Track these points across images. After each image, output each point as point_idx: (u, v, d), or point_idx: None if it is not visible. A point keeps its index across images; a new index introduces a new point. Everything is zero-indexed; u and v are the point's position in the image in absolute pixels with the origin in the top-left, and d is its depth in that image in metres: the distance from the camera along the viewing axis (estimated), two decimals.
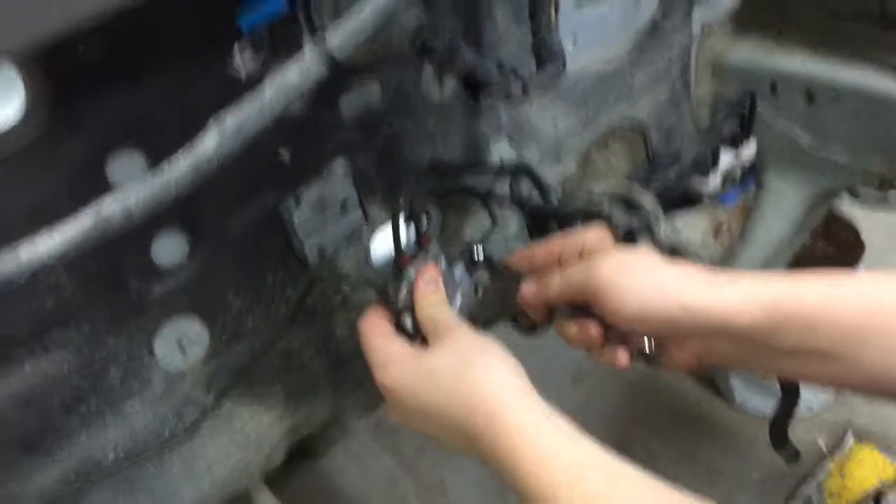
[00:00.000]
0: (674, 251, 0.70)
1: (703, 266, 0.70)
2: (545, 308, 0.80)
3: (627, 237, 0.71)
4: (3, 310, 0.68)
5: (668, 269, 0.70)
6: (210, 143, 0.47)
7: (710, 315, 0.66)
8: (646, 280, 0.69)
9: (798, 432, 1.98)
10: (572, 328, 0.77)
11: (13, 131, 0.64)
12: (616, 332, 0.75)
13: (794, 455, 0.78)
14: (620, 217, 0.73)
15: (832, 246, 2.25)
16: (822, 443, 1.96)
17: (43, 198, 0.66)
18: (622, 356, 0.75)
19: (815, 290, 0.65)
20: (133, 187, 0.45)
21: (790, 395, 0.78)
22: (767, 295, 0.66)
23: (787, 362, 0.67)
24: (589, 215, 0.80)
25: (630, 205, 0.76)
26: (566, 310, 0.78)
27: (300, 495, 1.94)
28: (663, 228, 0.72)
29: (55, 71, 0.63)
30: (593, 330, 0.75)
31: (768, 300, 0.65)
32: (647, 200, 0.75)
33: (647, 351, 0.74)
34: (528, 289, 0.79)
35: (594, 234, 0.77)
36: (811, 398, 1.99)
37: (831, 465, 1.88)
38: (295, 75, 0.48)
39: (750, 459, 1.95)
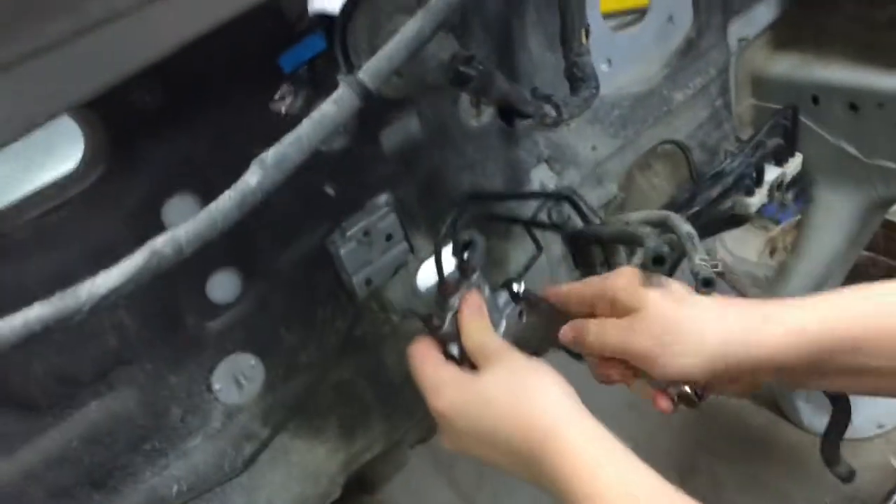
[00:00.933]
0: (707, 283, 0.69)
1: (743, 296, 0.70)
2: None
3: (657, 261, 0.71)
4: (72, 349, 0.71)
5: (706, 319, 0.70)
6: (252, 178, 0.49)
7: (757, 359, 0.67)
8: (685, 342, 0.69)
9: (870, 453, 1.91)
10: (606, 370, 0.80)
11: (73, 179, 0.68)
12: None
13: (848, 473, 0.75)
14: (653, 241, 0.72)
15: (895, 259, 2.19)
16: (895, 463, 1.89)
17: (102, 241, 0.69)
18: (663, 402, 0.77)
19: (856, 311, 0.66)
20: (182, 225, 0.47)
21: (841, 410, 0.77)
22: (811, 327, 0.66)
23: (837, 380, 0.69)
24: (625, 240, 0.80)
25: (666, 229, 0.75)
26: None
27: None
28: (699, 257, 0.71)
29: (111, 121, 0.67)
30: (621, 372, 0.78)
31: (813, 332, 0.66)
32: (683, 227, 0.74)
33: (693, 396, 0.75)
34: (565, 334, 0.80)
35: (622, 280, 0.76)
36: (881, 415, 1.92)
37: None
38: (329, 108, 0.51)
39: (821, 484, 1.88)
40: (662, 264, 0.71)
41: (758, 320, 0.68)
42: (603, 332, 0.75)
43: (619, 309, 0.74)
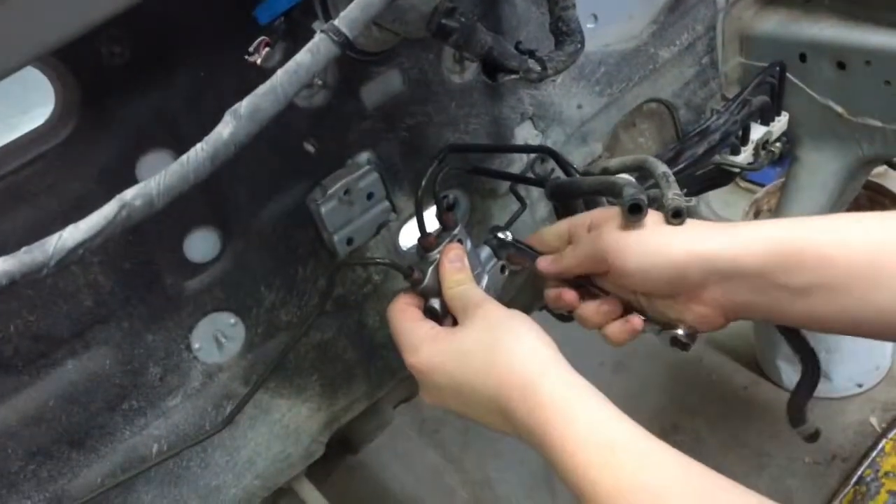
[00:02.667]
0: (677, 214, 0.69)
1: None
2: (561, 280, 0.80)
3: (633, 209, 0.70)
4: (47, 307, 0.70)
5: (674, 233, 0.70)
6: (225, 130, 0.48)
7: (719, 257, 0.67)
8: (650, 235, 0.70)
9: (850, 411, 1.94)
10: (553, 297, 0.79)
11: (45, 134, 0.66)
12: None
13: (813, 433, 0.75)
14: (630, 190, 0.71)
15: None
16: (874, 422, 1.92)
17: (75, 197, 0.68)
18: (634, 321, 0.75)
19: (824, 227, 0.66)
20: (153, 177, 0.46)
21: (811, 368, 0.77)
22: (776, 233, 0.67)
23: (801, 302, 0.67)
24: (605, 191, 0.79)
25: (643, 172, 0.74)
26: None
27: (347, 494, 1.96)
28: (672, 193, 0.71)
29: (83, 74, 0.65)
30: (570, 297, 0.78)
31: (777, 238, 0.66)
32: (659, 167, 0.73)
33: (684, 338, 0.73)
34: (543, 261, 0.80)
35: (600, 212, 0.78)
36: (860, 374, 1.95)
37: (886, 444, 1.84)
38: (305, 57, 0.49)
39: (800, 443, 1.88)
40: (640, 213, 0.70)
41: (725, 226, 0.70)
42: (576, 246, 0.77)
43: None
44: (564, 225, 0.81)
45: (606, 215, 0.75)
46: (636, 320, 0.75)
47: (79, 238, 0.43)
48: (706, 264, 0.68)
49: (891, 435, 1.86)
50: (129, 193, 0.46)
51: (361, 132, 0.85)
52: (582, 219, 0.79)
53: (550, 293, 0.80)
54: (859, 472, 1.80)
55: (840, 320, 0.67)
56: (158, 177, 0.46)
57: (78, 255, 0.43)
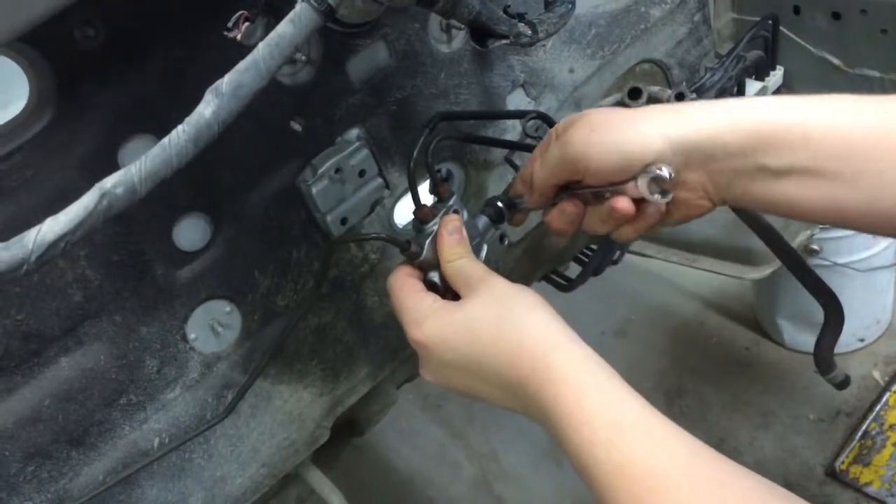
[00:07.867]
0: (680, 96, 0.65)
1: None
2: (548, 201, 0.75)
3: (633, 94, 0.66)
4: (35, 304, 0.68)
5: (644, 110, 0.66)
6: (207, 109, 0.45)
7: (699, 139, 0.63)
8: (620, 127, 0.65)
9: (853, 366, 1.94)
10: (556, 213, 0.74)
11: (21, 125, 0.64)
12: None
13: (843, 380, 0.74)
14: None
15: None
16: (877, 375, 1.91)
17: (55, 190, 0.65)
18: (621, 203, 0.68)
19: (815, 107, 0.61)
20: (134, 163, 0.43)
21: (833, 315, 0.75)
22: (762, 110, 0.62)
23: (783, 186, 0.63)
24: None
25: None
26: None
27: (352, 474, 1.96)
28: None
29: (56, 59, 0.62)
30: (571, 207, 0.72)
31: (762, 116, 0.62)
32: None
33: (656, 188, 0.65)
34: (516, 187, 0.76)
35: (564, 121, 0.72)
36: (862, 329, 1.94)
37: (889, 398, 1.84)
38: (287, 28, 0.47)
39: (804, 400, 1.91)
40: (639, 97, 0.66)
41: (705, 104, 0.65)
42: (545, 158, 0.71)
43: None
44: (536, 152, 0.75)
45: (570, 120, 0.69)
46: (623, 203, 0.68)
47: (59, 231, 0.41)
48: (685, 146, 0.63)
49: (894, 388, 1.86)
50: (109, 181, 0.43)
51: (349, 108, 0.82)
52: (547, 136, 0.73)
53: (552, 216, 0.74)
54: (864, 427, 1.80)
55: (823, 208, 0.62)
56: (139, 162, 0.43)
57: (59, 249, 0.41)
